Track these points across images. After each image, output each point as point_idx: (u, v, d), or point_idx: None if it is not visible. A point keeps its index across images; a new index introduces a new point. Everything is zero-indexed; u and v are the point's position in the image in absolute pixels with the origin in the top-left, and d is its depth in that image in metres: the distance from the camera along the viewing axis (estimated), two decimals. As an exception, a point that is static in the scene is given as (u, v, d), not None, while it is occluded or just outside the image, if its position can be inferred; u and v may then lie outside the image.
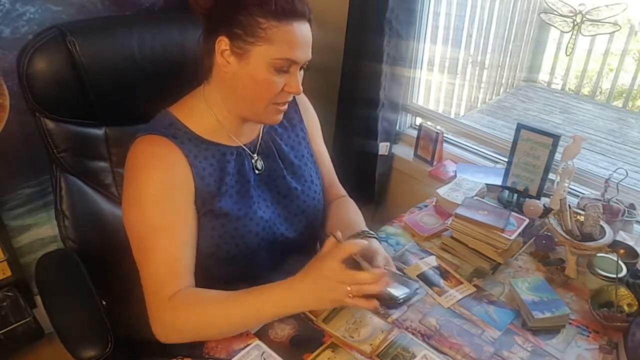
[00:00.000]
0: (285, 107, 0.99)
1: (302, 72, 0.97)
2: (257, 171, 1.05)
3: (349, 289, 0.85)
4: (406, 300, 1.05)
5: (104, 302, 1.12)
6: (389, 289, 0.99)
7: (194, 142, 0.97)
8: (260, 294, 0.90)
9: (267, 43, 0.88)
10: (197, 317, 0.91)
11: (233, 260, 1.03)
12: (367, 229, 1.11)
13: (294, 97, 1.13)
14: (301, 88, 0.95)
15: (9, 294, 1.65)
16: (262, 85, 0.92)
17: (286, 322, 0.99)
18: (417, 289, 1.08)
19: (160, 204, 0.93)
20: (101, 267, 1.16)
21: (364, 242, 0.89)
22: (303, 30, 0.91)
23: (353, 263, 0.90)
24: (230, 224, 0.99)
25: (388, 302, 1.03)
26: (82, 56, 1.06)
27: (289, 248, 1.10)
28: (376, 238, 1.08)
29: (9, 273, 1.64)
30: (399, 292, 1.02)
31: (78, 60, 1.06)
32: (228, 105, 0.99)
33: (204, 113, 0.99)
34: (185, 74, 1.02)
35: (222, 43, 0.91)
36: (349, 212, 1.21)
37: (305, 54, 0.93)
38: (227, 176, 1.00)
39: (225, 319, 0.91)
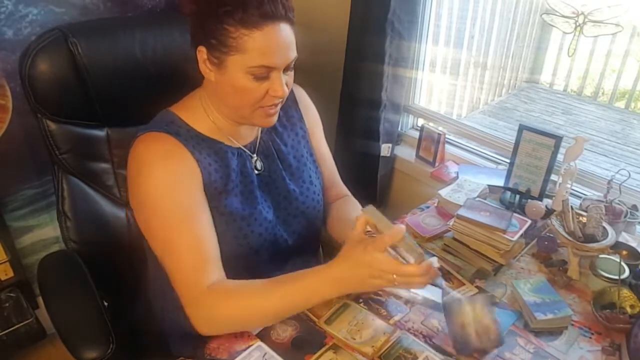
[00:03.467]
0: (276, 109, 0.97)
1: (290, 72, 0.95)
2: (257, 171, 1.05)
3: (395, 277, 0.83)
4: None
5: (105, 303, 1.13)
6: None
7: (196, 140, 0.97)
8: (295, 283, 0.88)
9: (239, 52, 0.86)
10: (235, 310, 0.90)
11: (235, 260, 1.02)
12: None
13: (294, 95, 1.13)
14: (286, 90, 0.93)
15: (11, 294, 1.65)
16: (242, 93, 0.91)
17: (288, 324, 0.99)
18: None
19: (171, 196, 0.91)
20: (103, 268, 1.16)
21: (402, 227, 0.84)
22: (278, 33, 0.87)
23: (394, 251, 0.85)
24: (234, 223, 0.99)
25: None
26: (84, 57, 1.06)
27: (289, 249, 1.10)
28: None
29: (11, 274, 1.65)
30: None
31: (80, 62, 1.06)
32: (219, 110, 0.99)
33: (202, 115, 1.00)
34: (187, 75, 1.02)
35: (202, 53, 0.91)
36: (351, 212, 1.20)
37: (283, 57, 0.89)
38: (232, 173, 0.99)
39: (263, 310, 0.90)
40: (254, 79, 0.89)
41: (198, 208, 0.93)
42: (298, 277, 0.89)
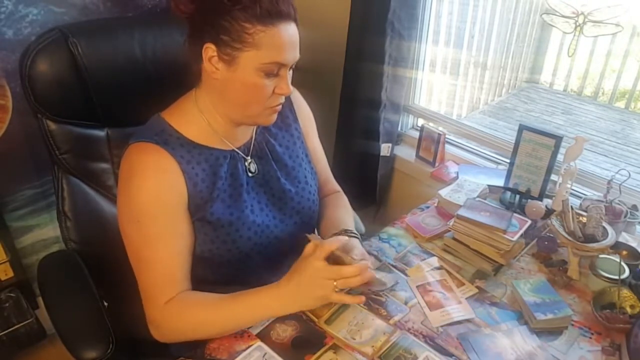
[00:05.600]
0: (280, 107, 0.98)
1: (291, 71, 0.97)
2: (250, 174, 1.05)
3: (335, 284, 0.88)
4: (388, 290, 1.03)
5: (105, 303, 1.13)
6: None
7: (186, 148, 0.97)
8: (248, 299, 0.93)
9: (254, 48, 0.87)
10: (189, 322, 0.94)
11: (227, 265, 1.03)
12: (349, 228, 1.11)
13: (289, 96, 1.13)
14: (291, 88, 0.95)
15: (11, 294, 1.65)
16: (252, 90, 0.92)
17: (288, 324, 0.99)
18: (396, 283, 1.08)
19: (153, 213, 0.93)
20: (103, 268, 1.16)
21: (344, 238, 0.91)
22: (289, 32, 0.90)
23: (334, 261, 0.91)
24: (222, 229, 0.99)
25: (374, 292, 1.05)
26: (84, 57, 1.06)
27: (284, 249, 1.10)
28: (357, 237, 1.09)
29: (11, 274, 1.65)
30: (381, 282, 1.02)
31: (80, 62, 1.06)
32: (219, 111, 0.98)
33: (195, 118, 0.99)
34: (187, 76, 1.02)
35: (209, 50, 0.90)
36: (338, 208, 1.21)
37: (293, 55, 0.92)
38: (219, 181, 0.99)
39: (216, 323, 0.95)
40: (265, 76, 0.90)
41: (176, 229, 0.96)
42: (251, 295, 0.93)
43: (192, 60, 0.94)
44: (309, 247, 0.92)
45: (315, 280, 0.88)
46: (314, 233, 0.97)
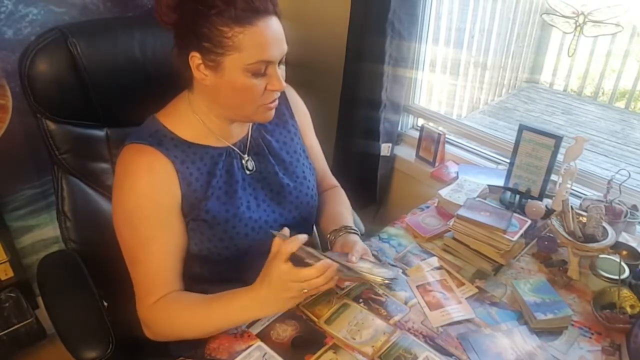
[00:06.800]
0: (275, 103, 0.98)
1: (282, 66, 0.95)
2: (248, 171, 1.05)
3: (301, 285, 0.87)
4: (390, 282, 0.99)
5: (105, 303, 1.13)
6: (371, 274, 0.96)
7: (181, 148, 0.97)
8: (228, 303, 0.93)
9: (236, 51, 0.87)
10: (176, 322, 0.95)
11: (225, 262, 1.03)
12: (349, 224, 1.11)
13: (283, 93, 1.13)
14: (284, 83, 0.94)
15: (11, 294, 1.65)
16: (243, 91, 0.91)
17: (288, 323, 0.99)
18: (398, 272, 1.06)
19: (145, 214, 0.93)
20: (102, 268, 1.16)
21: (303, 236, 0.89)
22: (270, 27, 0.88)
23: (298, 262, 0.89)
24: (218, 226, 0.99)
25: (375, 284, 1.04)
26: (84, 57, 1.06)
27: None
28: (357, 233, 1.09)
29: (11, 274, 1.65)
30: (382, 274, 0.98)
31: (80, 62, 1.06)
32: (215, 112, 0.99)
33: (190, 118, 0.99)
34: (186, 76, 1.02)
35: (195, 59, 0.90)
36: (337, 204, 1.22)
37: (278, 50, 0.90)
38: (214, 178, 0.99)
39: (201, 324, 0.95)
40: (253, 76, 0.90)
41: (168, 230, 0.96)
42: (231, 297, 0.94)
43: (182, 68, 0.94)
44: (274, 246, 0.90)
45: (283, 283, 0.87)
46: (313, 230, 0.94)
